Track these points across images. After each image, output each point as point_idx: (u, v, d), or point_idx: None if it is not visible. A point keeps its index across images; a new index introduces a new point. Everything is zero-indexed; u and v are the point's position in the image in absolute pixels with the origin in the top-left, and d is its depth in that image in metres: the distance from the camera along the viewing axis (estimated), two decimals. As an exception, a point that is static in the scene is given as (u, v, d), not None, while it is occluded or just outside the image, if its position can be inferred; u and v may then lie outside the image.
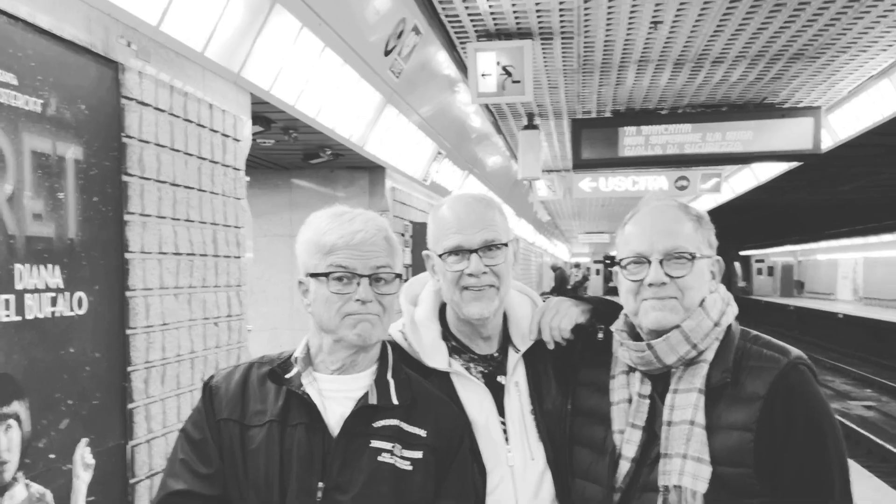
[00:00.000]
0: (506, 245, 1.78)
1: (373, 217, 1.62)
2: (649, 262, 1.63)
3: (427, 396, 1.64)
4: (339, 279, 1.54)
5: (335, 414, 1.54)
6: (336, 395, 1.56)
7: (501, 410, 1.78)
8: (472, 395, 1.77)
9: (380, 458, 1.51)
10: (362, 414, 1.54)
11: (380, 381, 1.59)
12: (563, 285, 20.94)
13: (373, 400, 1.55)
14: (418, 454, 1.54)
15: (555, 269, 22.46)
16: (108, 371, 2.70)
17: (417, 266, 7.08)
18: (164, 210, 3.07)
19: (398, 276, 1.60)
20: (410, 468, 1.52)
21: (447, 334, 1.86)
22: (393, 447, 1.53)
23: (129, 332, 2.83)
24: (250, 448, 1.51)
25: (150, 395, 2.95)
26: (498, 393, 1.79)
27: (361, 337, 1.54)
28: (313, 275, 1.56)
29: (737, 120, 7.87)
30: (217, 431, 1.54)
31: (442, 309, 1.90)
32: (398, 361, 1.68)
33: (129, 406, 2.83)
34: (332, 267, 1.54)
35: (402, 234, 7.55)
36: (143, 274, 2.91)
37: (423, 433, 1.57)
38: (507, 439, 1.76)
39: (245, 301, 3.83)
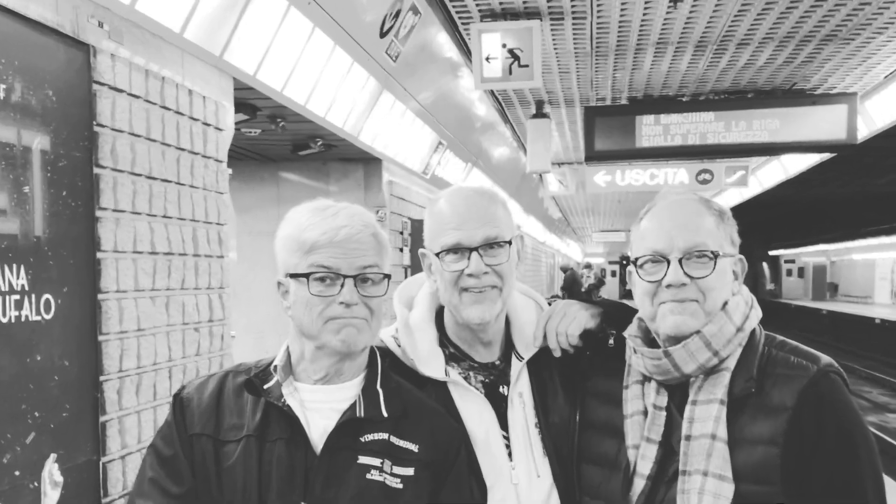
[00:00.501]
0: (509, 243, 1.77)
1: (359, 212, 1.60)
2: (668, 261, 1.61)
3: (419, 407, 1.64)
4: (322, 280, 1.52)
5: (318, 427, 1.53)
6: (320, 407, 1.55)
7: (504, 424, 1.77)
8: (472, 406, 1.76)
9: (368, 476, 1.50)
10: (348, 427, 1.53)
11: (368, 392, 1.58)
12: (575, 287, 20.94)
13: (360, 412, 1.54)
14: (409, 471, 1.53)
15: (565, 269, 22.47)
16: (78, 381, 2.70)
17: (417, 267, 7.08)
18: (140, 205, 3.07)
19: (387, 276, 1.59)
20: (401, 486, 1.51)
21: (444, 340, 1.85)
22: (382, 463, 1.52)
23: (101, 338, 2.83)
24: (225, 465, 1.51)
25: (124, 407, 2.95)
26: (500, 404, 1.78)
27: (346, 343, 1.53)
28: (293, 275, 1.55)
29: (764, 107, 7.86)
30: (189, 447, 1.53)
31: (439, 313, 1.89)
32: (388, 369, 1.67)
33: (102, 419, 2.83)
34: (314, 267, 1.52)
35: (401, 232, 7.56)
36: (116, 275, 2.91)
37: (414, 448, 1.56)
38: (510, 455, 1.75)
39: (228, 304, 3.82)
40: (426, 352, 1.81)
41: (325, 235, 1.53)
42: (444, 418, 1.67)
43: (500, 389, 1.80)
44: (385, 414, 1.56)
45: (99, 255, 2.82)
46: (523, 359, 1.83)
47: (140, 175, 3.07)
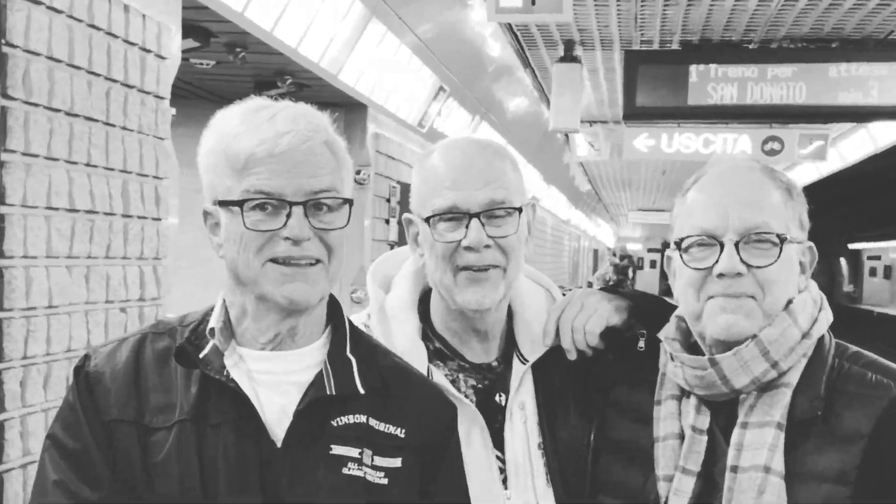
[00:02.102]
0: (518, 210, 1.76)
1: (305, 112, 1.52)
2: (720, 245, 1.61)
3: (402, 378, 1.60)
4: (261, 208, 1.45)
5: (274, 407, 1.48)
6: (272, 380, 1.51)
7: (499, 442, 1.77)
8: (459, 419, 1.75)
9: (345, 471, 1.46)
10: (315, 408, 1.48)
11: (336, 360, 1.53)
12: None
13: (330, 388, 1.49)
14: (396, 462, 1.50)
15: (623, 257, 22.47)
16: (-30, 366, 2.70)
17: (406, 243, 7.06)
18: (57, 149, 3.05)
19: (347, 201, 1.51)
20: (386, 482, 1.48)
21: (429, 332, 1.85)
22: (361, 454, 1.48)
23: (1, 314, 2.83)
24: (155, 460, 1.45)
25: (28, 404, 2.95)
26: (495, 417, 1.78)
27: (293, 302, 1.47)
28: (223, 203, 1.49)
29: (852, 61, 7.83)
30: (105, 438, 1.46)
31: (424, 298, 1.89)
32: (358, 329, 1.63)
33: (0, 417, 2.83)
34: (250, 193, 1.45)
35: (388, 200, 7.56)
36: (24, 236, 2.90)
37: (400, 433, 1.52)
38: (504, 482, 1.75)
39: (165, 280, 3.83)
40: (405, 346, 1.79)
41: (263, 146, 1.45)
42: (434, 390, 1.65)
43: (497, 398, 1.80)
44: (361, 390, 1.51)
45: (3, 209, 2.81)
46: (528, 361, 1.82)
47: (59, 111, 3.05)
